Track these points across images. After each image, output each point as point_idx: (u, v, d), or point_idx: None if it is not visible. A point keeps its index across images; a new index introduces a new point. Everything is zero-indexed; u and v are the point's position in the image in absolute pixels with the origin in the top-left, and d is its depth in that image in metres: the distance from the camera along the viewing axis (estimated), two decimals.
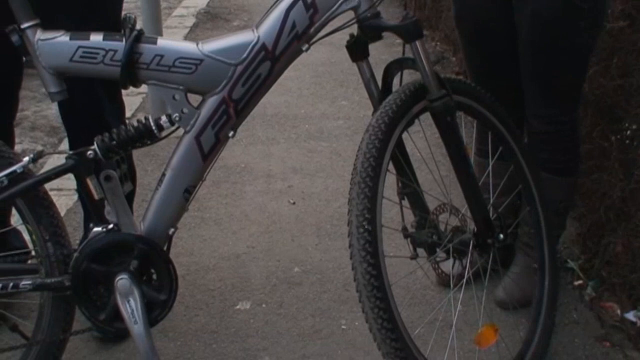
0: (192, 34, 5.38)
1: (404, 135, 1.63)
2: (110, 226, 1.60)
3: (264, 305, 2.16)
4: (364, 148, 1.52)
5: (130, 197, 1.87)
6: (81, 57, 1.55)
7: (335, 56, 4.43)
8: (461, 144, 1.65)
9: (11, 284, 1.61)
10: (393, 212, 1.84)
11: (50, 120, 3.83)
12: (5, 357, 1.89)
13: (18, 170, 1.58)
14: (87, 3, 1.70)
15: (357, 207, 1.49)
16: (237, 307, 2.15)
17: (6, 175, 1.58)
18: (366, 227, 1.47)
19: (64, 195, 2.76)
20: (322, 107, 3.76)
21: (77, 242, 2.14)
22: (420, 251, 1.72)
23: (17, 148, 2.82)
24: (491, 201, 1.88)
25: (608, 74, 2.23)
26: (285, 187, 2.88)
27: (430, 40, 4.95)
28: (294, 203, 2.76)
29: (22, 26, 1.55)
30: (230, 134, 1.61)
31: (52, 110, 4.17)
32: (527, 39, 1.90)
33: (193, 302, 2.16)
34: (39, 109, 3.93)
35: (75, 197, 2.73)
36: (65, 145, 3.38)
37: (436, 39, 4.92)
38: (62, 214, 2.32)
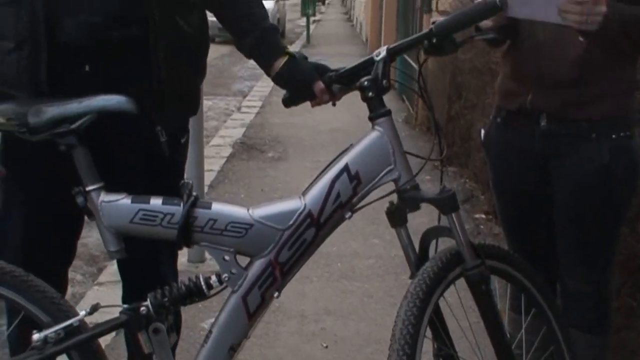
0: (228, 164, 5.61)
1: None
2: None
3: None
4: (403, 315, 1.60)
5: (173, 348, 1.94)
6: (141, 219, 1.67)
7: None
8: (495, 310, 1.73)
9: None
10: None
11: (90, 249, 3.96)
12: None
13: (74, 324, 1.67)
14: (152, 170, 1.84)
15: None
16: None
17: (63, 328, 1.67)
18: None
19: None
20: (354, 245, 3.87)
21: None
22: None
23: None
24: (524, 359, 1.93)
25: (635, 234, 2.31)
26: (318, 329, 2.94)
27: (458, 177, 5.10)
28: (326, 347, 2.81)
29: (87, 189, 1.68)
30: (275, 294, 1.70)
31: (92, 238, 4.31)
32: (564, 206, 2.00)
33: None
34: None
35: (113, 333, 2.80)
36: (105, 276, 3.50)
37: (465, 176, 5.07)
38: None
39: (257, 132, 6.80)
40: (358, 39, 18.06)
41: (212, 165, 5.49)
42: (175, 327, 1.87)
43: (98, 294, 3.30)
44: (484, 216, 4.36)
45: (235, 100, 8.60)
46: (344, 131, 6.35)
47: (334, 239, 3.86)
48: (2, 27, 1.71)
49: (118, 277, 2.10)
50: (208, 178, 5.01)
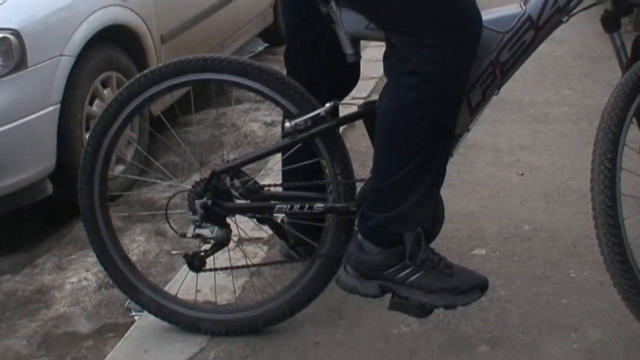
0: None
1: None
2: None
3: (497, 253, 2.45)
4: (612, 100, 1.78)
5: None
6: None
7: (557, 51, 4.60)
8: None
9: (307, 206, 2.02)
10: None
11: None
12: (291, 267, 2.32)
13: (321, 114, 1.98)
14: None
15: (600, 148, 1.75)
16: (474, 252, 2.46)
17: (311, 118, 1.98)
18: (607, 165, 1.73)
19: None
20: (546, 95, 3.97)
21: None
22: None
23: None
24: None
25: None
26: (513, 161, 3.15)
27: None
28: (522, 174, 3.02)
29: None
30: (495, 92, 1.92)
31: None
32: None
33: (433, 246, 2.47)
34: None
35: None
36: None
37: None
38: None
39: None
40: None
41: None
42: None
43: None
44: None
45: None
46: None
47: (526, 90, 4.06)
48: None
49: None
50: None
